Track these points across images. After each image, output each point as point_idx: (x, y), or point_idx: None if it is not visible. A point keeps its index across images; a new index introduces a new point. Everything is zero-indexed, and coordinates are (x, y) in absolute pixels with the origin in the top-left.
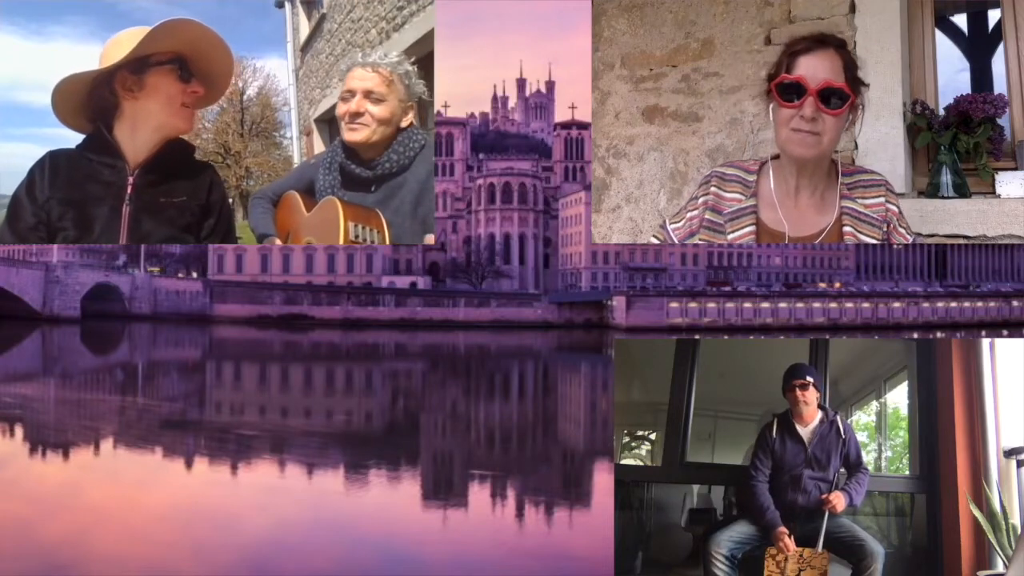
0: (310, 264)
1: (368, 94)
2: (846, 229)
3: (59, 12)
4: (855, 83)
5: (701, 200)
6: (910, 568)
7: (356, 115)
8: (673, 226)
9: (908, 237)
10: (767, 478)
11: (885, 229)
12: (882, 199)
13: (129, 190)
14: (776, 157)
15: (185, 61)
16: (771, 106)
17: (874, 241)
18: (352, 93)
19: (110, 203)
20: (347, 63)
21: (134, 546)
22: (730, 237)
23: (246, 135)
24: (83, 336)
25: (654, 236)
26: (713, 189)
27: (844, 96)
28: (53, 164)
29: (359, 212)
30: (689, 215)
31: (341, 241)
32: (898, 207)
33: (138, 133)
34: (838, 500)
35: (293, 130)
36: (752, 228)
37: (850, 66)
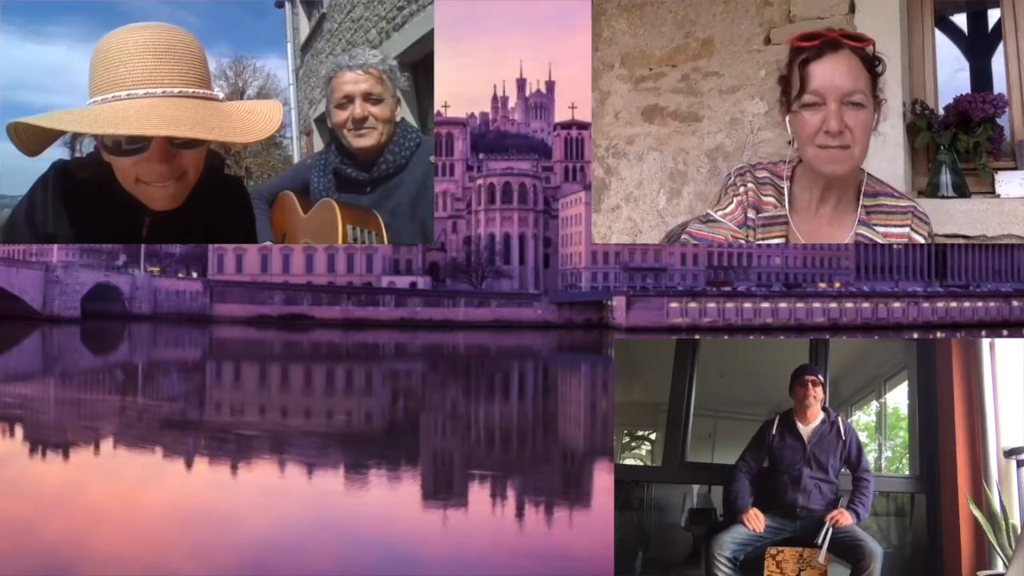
0: (310, 264)
1: (367, 96)
2: None
3: (59, 12)
4: (875, 80)
5: (742, 190)
6: (910, 568)
7: (361, 120)
8: (721, 212)
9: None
10: (750, 472)
11: None
12: (906, 228)
13: (144, 232)
14: (800, 161)
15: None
16: (788, 118)
17: None
18: (350, 98)
19: (118, 239)
20: (329, 68)
21: (134, 546)
22: (758, 240)
23: None
24: (83, 336)
25: (686, 236)
26: (751, 185)
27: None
28: (58, 185)
29: (357, 214)
30: (737, 199)
31: (339, 243)
32: (926, 235)
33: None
34: (843, 517)
35: (293, 130)
36: (782, 239)
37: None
